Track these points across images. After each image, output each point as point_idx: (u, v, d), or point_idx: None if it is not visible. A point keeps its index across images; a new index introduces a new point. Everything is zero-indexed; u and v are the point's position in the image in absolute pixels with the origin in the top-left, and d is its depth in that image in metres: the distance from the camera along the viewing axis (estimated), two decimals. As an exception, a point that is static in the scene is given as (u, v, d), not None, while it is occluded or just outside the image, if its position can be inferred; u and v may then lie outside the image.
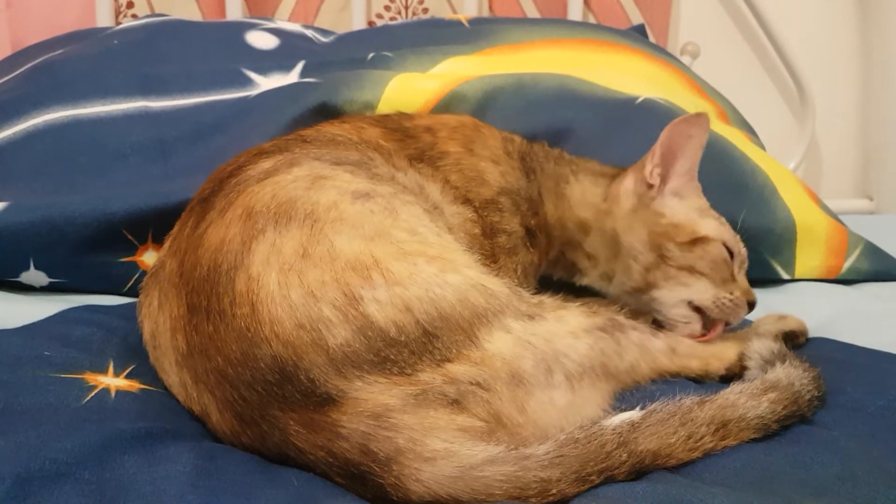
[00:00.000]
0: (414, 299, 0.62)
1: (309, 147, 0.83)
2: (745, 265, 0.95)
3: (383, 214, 0.70)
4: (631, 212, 0.95)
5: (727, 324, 0.91)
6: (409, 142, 0.94)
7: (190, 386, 0.66)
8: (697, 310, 0.90)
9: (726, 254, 0.91)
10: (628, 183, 0.96)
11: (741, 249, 0.94)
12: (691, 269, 0.90)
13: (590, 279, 0.99)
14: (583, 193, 0.99)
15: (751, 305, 0.91)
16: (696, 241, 0.91)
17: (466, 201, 0.90)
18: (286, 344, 0.60)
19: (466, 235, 0.86)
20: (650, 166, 0.94)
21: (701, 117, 0.92)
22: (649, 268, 0.92)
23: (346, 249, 0.64)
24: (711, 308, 0.89)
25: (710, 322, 0.90)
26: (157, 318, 0.70)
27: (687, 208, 0.94)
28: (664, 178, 0.95)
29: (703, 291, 0.90)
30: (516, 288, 0.71)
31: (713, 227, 0.93)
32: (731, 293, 0.90)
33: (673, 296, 0.91)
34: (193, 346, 0.64)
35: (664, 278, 0.92)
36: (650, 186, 0.94)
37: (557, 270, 1.00)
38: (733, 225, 0.98)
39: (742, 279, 0.93)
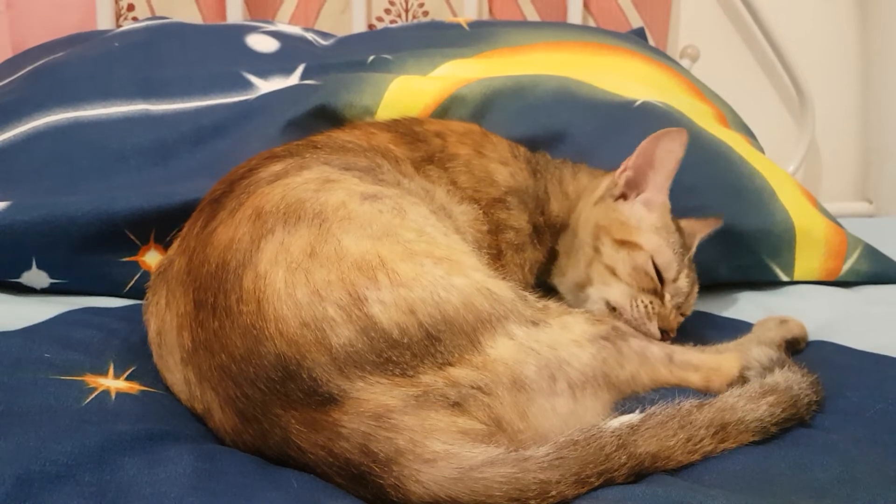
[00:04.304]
0: (418, 301, 0.62)
1: (319, 152, 0.84)
2: (681, 301, 0.94)
3: (392, 214, 0.71)
4: (592, 205, 0.98)
5: None
6: (419, 145, 0.96)
7: (193, 384, 0.66)
8: (615, 312, 0.90)
9: (651, 269, 0.91)
10: (605, 180, 0.99)
11: (679, 284, 0.93)
12: (612, 271, 0.92)
13: (555, 277, 0.99)
14: (576, 189, 1.02)
15: (664, 332, 0.89)
16: (626, 243, 0.92)
17: (473, 201, 0.92)
18: (290, 342, 0.60)
19: (475, 233, 0.87)
20: (622, 167, 0.97)
21: (682, 134, 0.94)
22: (590, 262, 0.94)
23: (353, 249, 0.65)
24: (627, 309, 0.89)
25: None
26: (164, 316, 0.71)
27: (643, 218, 0.95)
28: (639, 187, 0.97)
29: (620, 294, 0.91)
30: (522, 292, 0.72)
31: (652, 240, 0.93)
32: (650, 301, 0.89)
33: (597, 293, 0.93)
34: (198, 343, 0.65)
35: (596, 274, 0.93)
36: (615, 185, 0.97)
37: (546, 271, 1.01)
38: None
39: (669, 306, 0.91)
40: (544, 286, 0.98)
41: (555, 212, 1.00)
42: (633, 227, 0.94)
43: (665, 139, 0.94)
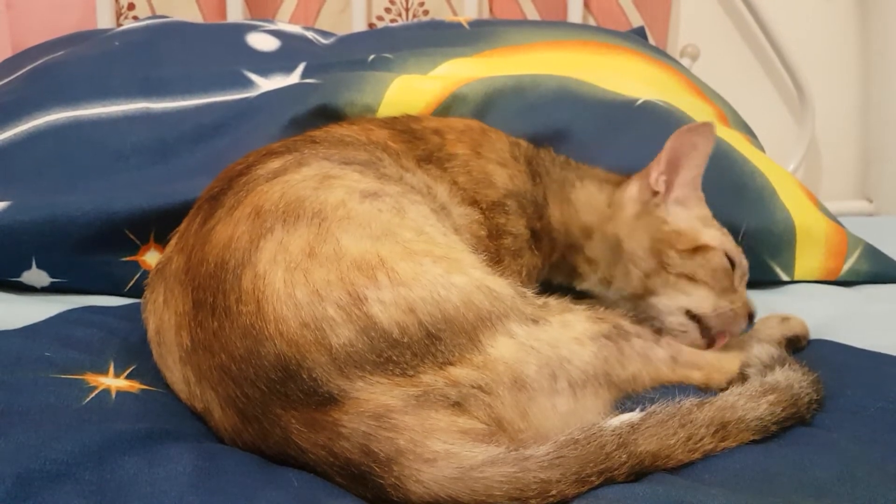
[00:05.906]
0: (418, 300, 0.62)
1: (318, 147, 0.83)
2: (746, 277, 0.95)
3: (391, 213, 0.71)
4: (634, 218, 0.96)
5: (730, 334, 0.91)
6: (417, 143, 0.95)
7: (193, 383, 0.66)
8: (695, 318, 0.90)
9: (727, 263, 0.91)
10: (633, 190, 0.97)
11: (742, 261, 0.94)
12: (691, 277, 0.91)
13: (589, 284, 0.99)
14: (587, 198, 0.99)
15: (750, 317, 0.91)
16: (698, 249, 0.92)
17: (473, 203, 0.91)
18: (290, 342, 0.60)
19: (472, 237, 0.86)
20: (656, 174, 0.95)
21: (707, 127, 0.93)
22: (649, 274, 0.93)
23: (352, 248, 0.65)
24: (711, 317, 0.89)
25: (713, 333, 0.90)
26: (163, 315, 0.70)
27: (690, 217, 0.95)
28: (668, 187, 0.96)
29: (702, 300, 0.90)
30: (521, 289, 0.71)
31: (715, 236, 0.93)
32: (732, 303, 0.90)
33: (671, 303, 0.92)
34: (197, 343, 0.64)
35: (663, 285, 0.92)
36: (655, 194, 0.95)
37: (557, 275, 1.00)
38: (737, 231, 0.97)
39: (742, 290, 0.93)
40: (544, 284, 0.98)
41: (554, 217, 0.98)
42: (693, 232, 0.93)
43: (689, 134, 0.93)
